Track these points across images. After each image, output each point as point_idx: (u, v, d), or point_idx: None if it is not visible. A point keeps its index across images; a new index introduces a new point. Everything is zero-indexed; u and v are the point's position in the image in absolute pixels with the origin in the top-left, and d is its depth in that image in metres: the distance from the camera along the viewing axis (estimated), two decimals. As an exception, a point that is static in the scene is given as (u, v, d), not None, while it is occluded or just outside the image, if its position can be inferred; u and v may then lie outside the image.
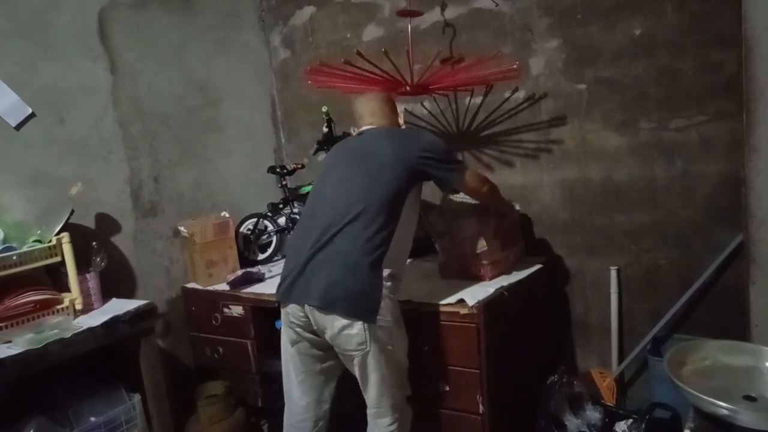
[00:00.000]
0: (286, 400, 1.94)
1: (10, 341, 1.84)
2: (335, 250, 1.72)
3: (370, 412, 1.85)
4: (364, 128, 2.00)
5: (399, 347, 1.81)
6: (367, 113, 2.01)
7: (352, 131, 2.10)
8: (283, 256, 2.07)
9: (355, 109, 2.06)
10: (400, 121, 2.09)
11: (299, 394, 1.89)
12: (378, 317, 1.70)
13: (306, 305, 1.75)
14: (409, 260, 2.55)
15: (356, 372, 1.79)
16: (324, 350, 1.85)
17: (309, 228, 1.81)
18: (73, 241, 2.07)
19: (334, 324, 1.70)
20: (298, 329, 1.83)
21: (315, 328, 1.78)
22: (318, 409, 1.91)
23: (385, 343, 1.74)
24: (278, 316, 1.94)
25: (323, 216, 1.78)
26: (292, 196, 2.87)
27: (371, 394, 1.80)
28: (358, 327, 1.69)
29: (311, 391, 1.89)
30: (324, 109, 3.00)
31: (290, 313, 1.81)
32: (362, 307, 1.69)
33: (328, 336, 1.75)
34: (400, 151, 1.82)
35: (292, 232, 1.92)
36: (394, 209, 1.78)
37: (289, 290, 1.79)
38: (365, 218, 1.72)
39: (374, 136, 1.94)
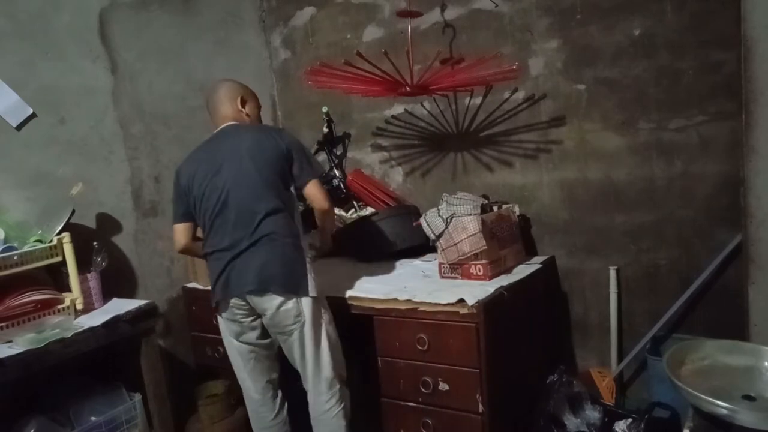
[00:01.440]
0: (243, 392, 2.09)
1: (11, 341, 1.85)
2: (259, 243, 1.86)
3: (310, 395, 1.98)
4: (227, 124, 2.01)
5: (330, 320, 1.98)
6: (221, 104, 2.04)
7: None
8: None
9: (209, 100, 2.07)
10: (239, 105, 2.05)
11: (252, 382, 2.04)
12: (308, 289, 1.88)
13: (245, 294, 1.88)
14: (409, 260, 2.59)
15: (295, 349, 1.92)
16: (266, 336, 2.01)
17: (224, 230, 1.90)
18: (74, 241, 2.07)
19: (272, 303, 1.86)
20: (243, 319, 1.96)
21: (257, 312, 1.93)
22: (273, 390, 2.08)
23: (318, 315, 1.92)
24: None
25: (237, 218, 1.88)
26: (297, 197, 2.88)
27: (309, 368, 1.93)
28: (292, 302, 1.86)
29: (261, 376, 2.05)
30: (324, 109, 3.01)
31: (233, 306, 1.93)
32: (293, 283, 1.87)
33: (268, 317, 1.90)
34: (278, 147, 1.93)
35: (207, 236, 1.97)
36: (292, 199, 1.98)
37: (225, 287, 1.91)
38: (279, 212, 1.89)
39: (244, 133, 1.98)
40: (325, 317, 1.96)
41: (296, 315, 1.88)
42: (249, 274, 1.85)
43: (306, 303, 1.88)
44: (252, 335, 1.99)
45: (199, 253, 2.09)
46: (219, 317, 2.02)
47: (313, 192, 1.98)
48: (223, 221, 1.90)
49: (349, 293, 2.19)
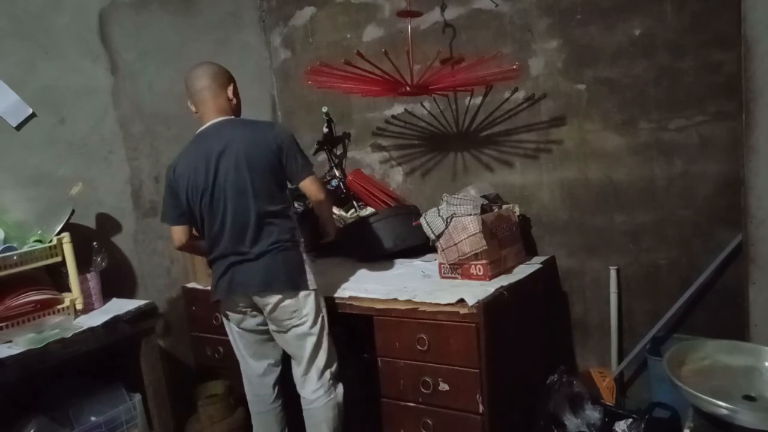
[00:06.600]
0: (245, 379, 2.16)
1: (10, 341, 1.84)
2: (263, 254, 1.91)
3: (300, 386, 2.04)
4: (220, 119, 1.95)
5: (325, 313, 2.05)
6: (213, 93, 1.96)
7: (189, 105, 2.02)
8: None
9: (194, 86, 1.97)
10: (230, 94, 2.01)
11: (255, 366, 2.11)
12: (308, 283, 1.96)
13: (248, 294, 1.96)
14: (409, 260, 2.59)
15: (291, 342, 2.00)
16: (266, 323, 2.06)
17: (226, 239, 1.93)
18: (74, 241, 2.07)
19: (272, 300, 1.93)
20: (245, 309, 2.02)
21: (258, 307, 2.00)
22: (273, 373, 2.14)
23: (316, 308, 1.99)
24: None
25: (238, 228, 1.91)
26: (292, 195, 2.87)
27: (304, 359, 1.99)
28: (291, 299, 1.94)
29: (264, 359, 2.12)
30: (324, 109, 3.01)
31: (236, 299, 1.99)
32: (292, 280, 1.94)
33: (267, 311, 1.97)
34: (270, 147, 1.91)
35: (210, 243, 2.00)
36: (288, 196, 2.03)
37: (228, 287, 1.96)
38: (277, 216, 1.94)
39: (238, 132, 1.92)
40: (323, 310, 2.05)
41: (293, 311, 1.95)
42: (254, 278, 1.92)
43: (304, 296, 1.96)
44: (253, 322, 2.06)
45: (199, 250, 2.12)
46: (221, 311, 2.09)
47: (309, 186, 2.00)
48: (223, 231, 1.94)
49: (349, 293, 2.19)
